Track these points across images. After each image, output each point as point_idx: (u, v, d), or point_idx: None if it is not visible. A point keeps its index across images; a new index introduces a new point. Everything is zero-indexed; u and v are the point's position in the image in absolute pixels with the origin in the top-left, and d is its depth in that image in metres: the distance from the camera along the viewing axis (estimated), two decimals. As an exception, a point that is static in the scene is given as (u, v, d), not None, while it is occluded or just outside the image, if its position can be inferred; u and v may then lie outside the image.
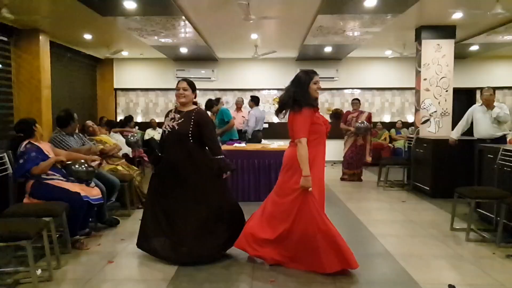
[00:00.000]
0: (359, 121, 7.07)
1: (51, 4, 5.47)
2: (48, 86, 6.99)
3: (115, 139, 5.88)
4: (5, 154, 3.65)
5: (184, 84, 3.31)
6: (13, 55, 6.70)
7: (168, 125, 3.29)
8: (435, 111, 6.71)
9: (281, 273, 3.03)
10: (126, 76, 10.21)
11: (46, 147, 3.67)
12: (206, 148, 3.31)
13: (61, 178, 3.62)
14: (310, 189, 2.96)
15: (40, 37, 6.77)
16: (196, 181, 3.23)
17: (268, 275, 3.01)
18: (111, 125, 6.94)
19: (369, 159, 7.36)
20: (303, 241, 3.00)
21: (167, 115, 3.39)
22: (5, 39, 6.55)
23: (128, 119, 8.49)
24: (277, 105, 3.31)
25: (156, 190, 3.32)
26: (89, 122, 5.27)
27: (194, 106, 3.38)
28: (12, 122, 6.67)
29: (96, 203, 3.71)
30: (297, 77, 3.14)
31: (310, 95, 3.09)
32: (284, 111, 3.19)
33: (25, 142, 3.52)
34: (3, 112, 6.56)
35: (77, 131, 4.45)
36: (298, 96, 3.04)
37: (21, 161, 3.44)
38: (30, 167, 3.42)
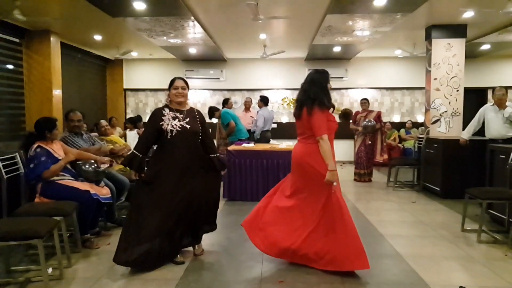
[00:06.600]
0: (366, 120, 7.03)
1: (62, 5, 5.53)
2: (59, 87, 7.07)
3: (133, 138, 5.95)
4: (16, 154, 3.68)
5: (183, 83, 3.29)
6: (25, 56, 6.79)
7: (175, 125, 3.18)
8: (446, 111, 6.64)
9: (289, 274, 3.02)
10: (135, 76, 10.29)
11: (57, 147, 3.68)
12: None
13: (71, 178, 3.66)
14: (335, 183, 2.96)
15: (51, 38, 6.86)
16: (203, 175, 3.33)
17: (276, 275, 3.01)
18: (134, 122, 7.06)
19: (380, 158, 7.26)
20: (331, 239, 2.99)
21: (160, 114, 3.20)
22: (17, 40, 6.65)
23: (138, 119, 8.55)
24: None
25: (164, 192, 3.17)
26: (103, 122, 5.34)
27: (191, 105, 3.49)
28: (23, 122, 6.76)
29: (105, 202, 3.74)
30: (316, 77, 3.15)
31: (329, 94, 3.14)
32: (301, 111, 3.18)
33: (35, 146, 3.51)
34: (15, 112, 6.65)
35: (90, 131, 4.47)
36: (318, 96, 3.05)
37: (31, 165, 3.45)
38: (41, 171, 3.44)
